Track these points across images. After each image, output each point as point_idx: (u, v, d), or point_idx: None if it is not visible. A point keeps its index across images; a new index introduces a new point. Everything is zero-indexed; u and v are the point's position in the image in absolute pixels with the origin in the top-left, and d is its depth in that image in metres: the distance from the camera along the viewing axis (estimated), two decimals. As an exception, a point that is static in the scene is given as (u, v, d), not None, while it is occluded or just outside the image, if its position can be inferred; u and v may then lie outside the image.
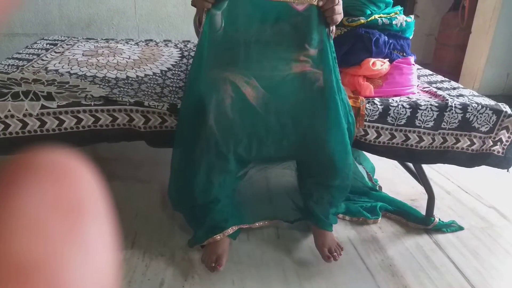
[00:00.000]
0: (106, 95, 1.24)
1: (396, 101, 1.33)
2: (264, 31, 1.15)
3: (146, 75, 1.51)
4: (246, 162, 1.30)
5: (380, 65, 1.34)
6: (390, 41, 1.37)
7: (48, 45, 1.81)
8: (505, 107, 1.35)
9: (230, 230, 1.23)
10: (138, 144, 1.29)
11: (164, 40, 2.09)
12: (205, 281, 1.17)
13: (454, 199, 1.68)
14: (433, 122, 1.32)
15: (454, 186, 1.77)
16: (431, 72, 1.76)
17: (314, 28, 1.16)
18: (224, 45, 1.17)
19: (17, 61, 1.55)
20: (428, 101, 1.34)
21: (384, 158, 1.46)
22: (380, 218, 1.48)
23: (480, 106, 1.33)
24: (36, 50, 1.73)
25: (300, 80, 1.17)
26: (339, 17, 1.16)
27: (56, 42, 1.88)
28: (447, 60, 3.25)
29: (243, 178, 1.39)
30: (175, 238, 1.34)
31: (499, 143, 1.36)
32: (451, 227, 1.46)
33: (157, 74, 1.54)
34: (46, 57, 1.63)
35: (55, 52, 1.71)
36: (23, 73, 1.40)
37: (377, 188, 1.64)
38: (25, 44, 1.93)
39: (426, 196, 1.47)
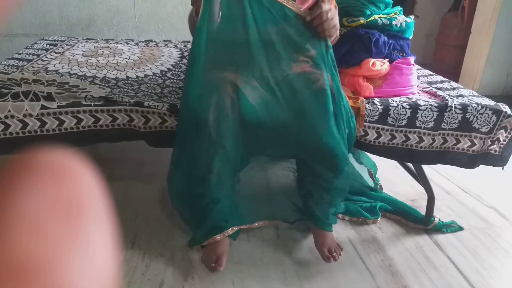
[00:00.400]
0: (106, 95, 1.24)
1: (396, 101, 1.33)
2: (264, 31, 1.15)
3: (146, 76, 1.51)
4: (246, 161, 1.30)
5: (380, 65, 1.34)
6: (390, 42, 1.37)
7: (48, 46, 1.81)
8: (505, 107, 1.35)
9: (230, 231, 1.23)
10: (138, 144, 1.29)
11: (164, 41, 2.09)
12: (205, 281, 1.17)
13: (454, 199, 1.68)
14: (433, 122, 1.32)
15: (454, 186, 1.77)
16: (431, 73, 1.76)
17: (311, 38, 1.16)
18: (223, 45, 1.17)
19: (17, 61, 1.55)
20: (428, 102, 1.34)
21: (384, 158, 1.46)
22: (379, 218, 1.48)
23: (480, 106, 1.33)
24: (36, 50, 1.73)
25: (300, 80, 1.17)
26: (334, 31, 1.16)
27: (56, 42, 1.88)
28: (447, 60, 3.25)
29: (240, 180, 1.40)
30: (175, 238, 1.34)
31: (496, 142, 1.37)
32: (451, 227, 1.46)
33: (157, 75, 1.54)
34: (46, 57, 1.63)
35: (55, 53, 1.71)
36: (23, 74, 1.40)
37: (378, 188, 1.64)
38: (25, 44, 1.93)
39: (426, 196, 1.47)
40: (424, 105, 1.32)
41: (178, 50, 1.91)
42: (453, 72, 3.02)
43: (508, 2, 2.72)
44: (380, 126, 1.30)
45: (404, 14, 1.42)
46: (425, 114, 1.31)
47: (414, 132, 1.33)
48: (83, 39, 2.01)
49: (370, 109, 1.29)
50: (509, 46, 2.86)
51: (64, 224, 0.13)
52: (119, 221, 0.15)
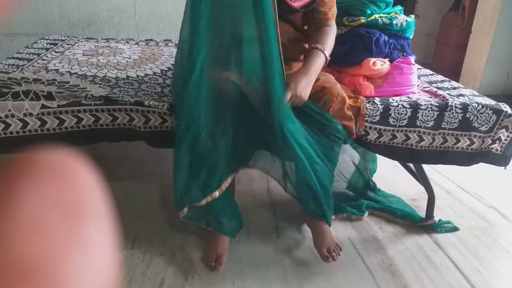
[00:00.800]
0: (107, 94, 1.24)
1: (397, 101, 1.33)
2: (264, 31, 1.14)
3: (146, 75, 1.51)
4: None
5: (381, 64, 1.34)
6: (391, 41, 1.37)
7: (48, 45, 1.81)
8: (505, 107, 1.35)
9: (226, 184, 1.20)
10: (138, 144, 1.29)
11: (164, 40, 2.09)
12: (205, 281, 1.17)
13: (454, 198, 1.68)
14: (433, 122, 1.32)
15: (454, 186, 1.77)
16: (431, 72, 1.76)
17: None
18: (223, 45, 1.17)
19: (17, 60, 1.55)
20: (428, 101, 1.34)
21: (385, 157, 1.46)
22: (365, 215, 1.49)
23: (480, 106, 1.33)
24: (37, 49, 1.73)
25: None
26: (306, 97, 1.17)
27: (56, 41, 1.88)
28: (447, 60, 3.25)
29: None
30: (175, 238, 1.34)
31: (497, 142, 1.37)
32: (446, 227, 1.46)
33: (157, 74, 1.54)
34: (47, 56, 1.63)
35: (55, 52, 1.71)
36: (23, 73, 1.40)
37: (371, 184, 1.64)
38: (26, 43, 1.93)
39: (426, 196, 1.47)
40: (425, 104, 1.32)
41: (179, 49, 1.91)
42: (453, 72, 3.02)
43: (508, 2, 2.72)
44: (382, 127, 1.30)
45: (404, 14, 1.42)
46: (425, 113, 1.31)
47: (414, 132, 1.33)
48: (83, 38, 2.01)
49: (370, 109, 1.29)
50: (510, 46, 2.86)
51: (65, 224, 0.13)
52: (119, 221, 0.15)
